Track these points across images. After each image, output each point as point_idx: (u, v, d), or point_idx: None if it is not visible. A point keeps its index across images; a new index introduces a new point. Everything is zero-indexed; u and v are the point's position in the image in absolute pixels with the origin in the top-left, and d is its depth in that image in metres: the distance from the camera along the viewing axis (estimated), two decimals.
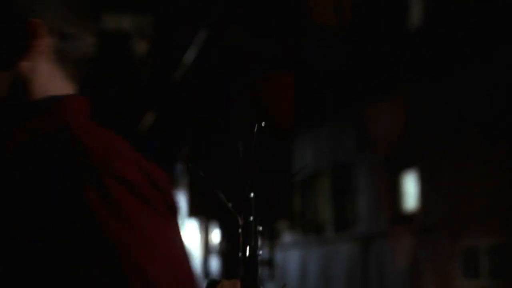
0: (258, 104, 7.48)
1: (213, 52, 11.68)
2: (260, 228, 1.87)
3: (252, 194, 1.90)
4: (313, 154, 14.40)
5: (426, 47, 10.35)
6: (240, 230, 1.93)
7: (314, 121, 14.12)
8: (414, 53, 10.64)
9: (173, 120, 15.93)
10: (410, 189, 10.87)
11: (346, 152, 12.81)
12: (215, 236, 16.90)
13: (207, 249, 16.99)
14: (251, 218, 1.87)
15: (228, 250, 14.54)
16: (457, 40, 9.66)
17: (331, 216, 13.61)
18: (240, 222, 1.91)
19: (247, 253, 1.87)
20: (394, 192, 11.26)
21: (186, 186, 13.18)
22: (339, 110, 13.21)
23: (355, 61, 12.39)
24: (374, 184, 11.82)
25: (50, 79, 1.32)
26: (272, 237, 11.09)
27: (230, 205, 2.01)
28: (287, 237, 15.65)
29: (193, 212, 8.57)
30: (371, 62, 11.86)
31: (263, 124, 2.12)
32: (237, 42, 10.84)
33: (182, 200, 21.00)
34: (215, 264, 16.58)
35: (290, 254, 15.20)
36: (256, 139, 2.01)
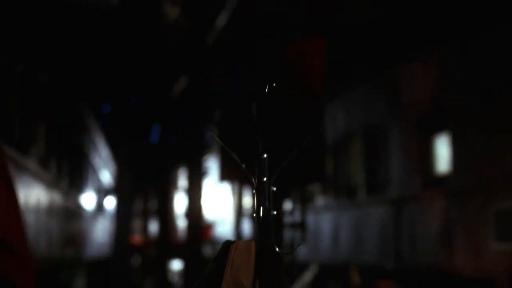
0: (288, 69, 7.43)
1: (244, 16, 11.65)
2: (274, 189, 1.88)
3: (265, 155, 1.91)
4: (345, 117, 14.38)
5: (458, 7, 10.23)
6: (253, 191, 1.94)
7: (346, 84, 14.08)
8: (446, 14, 10.53)
9: (205, 85, 15.96)
10: (442, 152, 10.82)
11: (379, 115, 12.77)
12: (248, 199, 16.98)
13: (240, 212, 17.11)
14: (264, 178, 1.88)
15: None
16: None
17: (363, 179, 13.61)
18: (254, 182, 1.92)
19: (261, 214, 1.88)
20: (426, 155, 11.22)
21: (217, 150, 13.25)
22: (371, 72, 13.15)
23: (387, 23, 12.28)
24: (406, 147, 11.78)
25: None
26: (304, 200, 11.13)
27: (243, 166, 2.03)
28: (319, 200, 15.69)
29: (225, 176, 8.59)
30: (403, 23, 11.76)
31: (274, 85, 2.12)
32: (268, 5, 10.80)
33: (213, 165, 21.10)
34: (247, 227, 16.69)
35: (323, 217, 15.25)
36: (269, 101, 2.02)
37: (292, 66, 7.60)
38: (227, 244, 1.91)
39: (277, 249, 1.80)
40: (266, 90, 2.01)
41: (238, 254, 1.76)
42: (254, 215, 1.93)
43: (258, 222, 1.92)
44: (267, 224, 1.89)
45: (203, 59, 15.27)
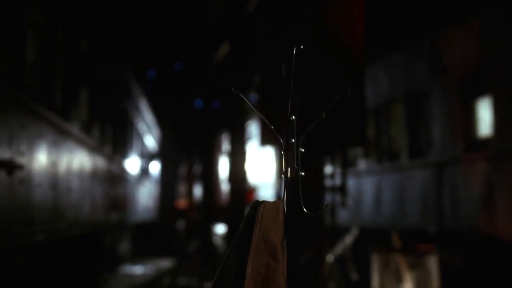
0: (327, 30, 7.42)
1: None
2: (302, 150, 1.92)
3: (293, 117, 1.94)
4: (387, 81, 14.31)
5: None
6: (282, 152, 1.97)
7: (388, 48, 13.99)
8: None
9: (246, 50, 15.97)
10: (484, 115, 10.74)
11: (420, 78, 12.68)
12: None
13: (281, 175, 17.21)
14: (292, 140, 1.91)
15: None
16: None
17: (405, 143, 13.57)
18: (283, 144, 1.95)
19: (289, 175, 1.92)
20: (468, 118, 11.14)
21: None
22: (413, 36, 13.04)
23: None
24: (448, 111, 11.71)
25: None
26: (345, 164, 11.12)
27: (272, 128, 2.06)
28: (361, 164, 15.69)
29: (265, 140, 8.64)
30: None
31: (301, 47, 2.14)
32: None
33: (256, 129, 21.16)
34: None
35: (365, 181, 15.26)
36: (300, 63, 2.04)
37: (331, 27, 7.59)
38: (256, 204, 1.95)
39: (304, 209, 1.84)
40: (295, 52, 2.02)
41: (266, 213, 1.80)
42: (282, 176, 1.95)
43: (286, 183, 1.96)
44: (295, 185, 1.92)
45: (244, 24, 15.27)
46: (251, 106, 1.99)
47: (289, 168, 1.89)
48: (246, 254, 1.72)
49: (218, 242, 21.74)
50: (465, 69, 11.04)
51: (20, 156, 6.24)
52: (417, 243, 11.15)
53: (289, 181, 1.87)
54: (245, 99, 1.99)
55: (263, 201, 1.92)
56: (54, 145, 7.76)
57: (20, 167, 6.18)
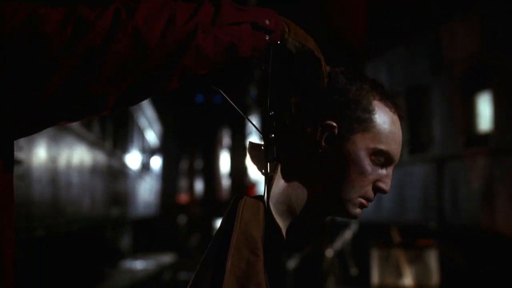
0: (327, 25, 7.41)
1: None
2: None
3: (272, 113, 1.92)
4: (387, 76, 14.28)
5: None
6: (263, 148, 1.96)
7: (388, 43, 13.97)
8: None
9: None
10: (485, 110, 10.73)
11: (421, 74, 12.66)
12: None
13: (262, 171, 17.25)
14: (272, 135, 1.90)
15: None
16: None
17: (406, 138, 13.55)
18: (263, 139, 1.94)
19: (268, 170, 1.91)
20: (469, 113, 11.13)
21: (259, 110, 13.30)
22: (414, 31, 13.02)
23: None
24: (449, 106, 11.70)
25: None
26: None
27: (253, 123, 2.05)
28: None
29: None
30: None
31: (279, 42, 2.12)
32: None
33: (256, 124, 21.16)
34: None
35: None
36: (274, 57, 2.01)
37: (332, 21, 7.58)
38: (237, 199, 1.93)
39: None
40: (275, 44, 1.97)
41: (246, 208, 1.79)
42: (263, 171, 1.93)
43: (266, 178, 1.93)
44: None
45: None
46: (230, 100, 1.98)
47: (268, 164, 1.87)
48: (226, 249, 1.71)
49: None
50: (466, 64, 11.03)
51: (18, 151, 6.25)
52: (417, 238, 11.16)
53: (269, 177, 1.86)
54: (224, 95, 1.98)
55: (244, 196, 1.91)
56: (54, 140, 7.77)
57: (18, 162, 6.18)
